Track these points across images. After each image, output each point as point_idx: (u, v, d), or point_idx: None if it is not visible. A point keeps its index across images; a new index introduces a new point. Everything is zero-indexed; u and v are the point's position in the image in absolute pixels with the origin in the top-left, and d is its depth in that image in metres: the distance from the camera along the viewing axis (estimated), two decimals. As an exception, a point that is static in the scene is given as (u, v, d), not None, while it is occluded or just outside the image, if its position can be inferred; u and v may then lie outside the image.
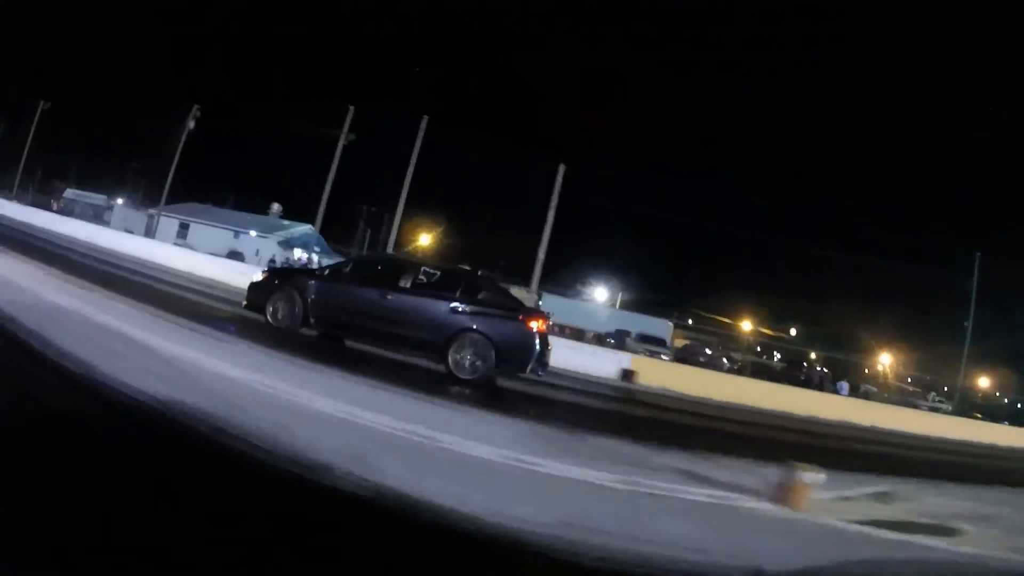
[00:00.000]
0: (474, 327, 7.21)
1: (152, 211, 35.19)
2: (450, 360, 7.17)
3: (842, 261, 33.18)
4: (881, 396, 34.29)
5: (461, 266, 9.07)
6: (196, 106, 27.67)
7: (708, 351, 35.34)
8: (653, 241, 48.53)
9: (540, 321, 7.59)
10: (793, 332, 46.04)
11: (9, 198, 34.80)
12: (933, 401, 35.29)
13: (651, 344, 30.51)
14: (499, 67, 70.17)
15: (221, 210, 42.75)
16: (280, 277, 8.75)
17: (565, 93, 71.58)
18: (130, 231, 31.31)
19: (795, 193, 58.89)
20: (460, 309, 7.33)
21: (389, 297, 7.46)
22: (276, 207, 42.45)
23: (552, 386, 9.46)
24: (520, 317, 7.44)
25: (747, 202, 41.73)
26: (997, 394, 41.67)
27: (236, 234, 39.03)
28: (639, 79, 72.47)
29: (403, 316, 7.39)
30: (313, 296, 7.74)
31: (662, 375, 16.14)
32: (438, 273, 7.82)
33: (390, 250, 24.46)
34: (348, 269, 8.86)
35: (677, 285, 50.48)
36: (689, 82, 69.46)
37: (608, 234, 47.01)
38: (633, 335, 33.20)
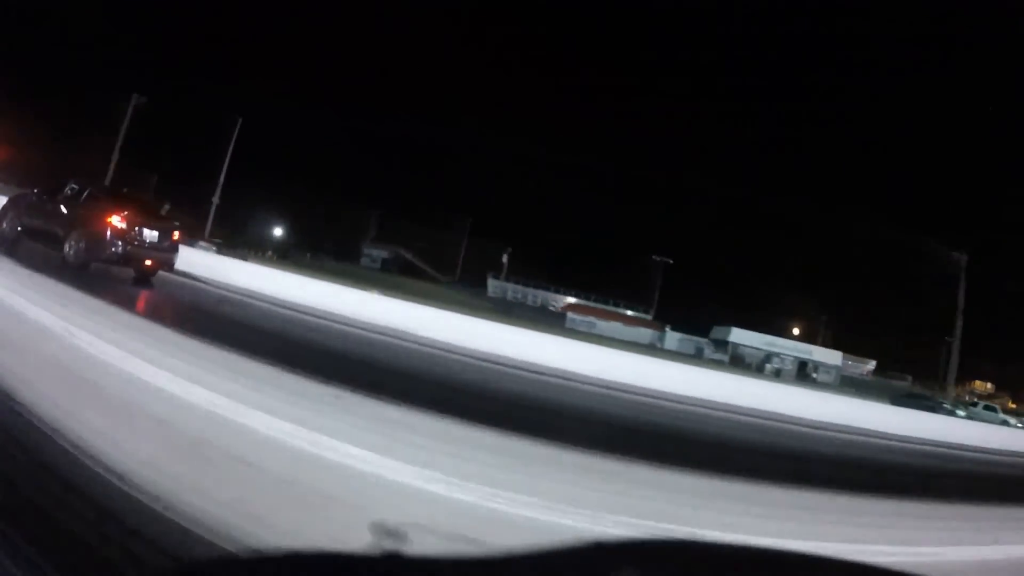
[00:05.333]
0: (75, 225, 9.50)
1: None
2: (64, 252, 9.40)
3: None
4: None
5: (84, 181, 10.91)
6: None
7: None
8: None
9: (118, 218, 9.47)
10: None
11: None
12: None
13: None
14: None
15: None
16: (11, 202, 11.19)
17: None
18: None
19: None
20: (74, 213, 9.67)
21: (48, 208, 10.02)
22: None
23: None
24: (103, 217, 9.44)
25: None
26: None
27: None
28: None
29: (51, 222, 9.85)
30: (21, 214, 10.49)
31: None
32: (77, 188, 10.13)
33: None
34: (44, 192, 10.96)
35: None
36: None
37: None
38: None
